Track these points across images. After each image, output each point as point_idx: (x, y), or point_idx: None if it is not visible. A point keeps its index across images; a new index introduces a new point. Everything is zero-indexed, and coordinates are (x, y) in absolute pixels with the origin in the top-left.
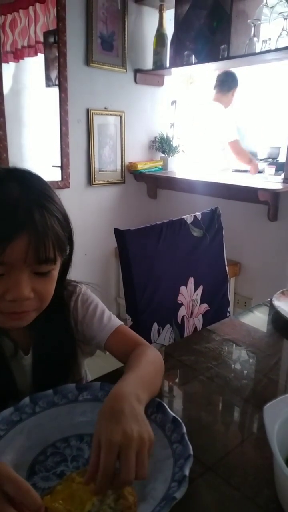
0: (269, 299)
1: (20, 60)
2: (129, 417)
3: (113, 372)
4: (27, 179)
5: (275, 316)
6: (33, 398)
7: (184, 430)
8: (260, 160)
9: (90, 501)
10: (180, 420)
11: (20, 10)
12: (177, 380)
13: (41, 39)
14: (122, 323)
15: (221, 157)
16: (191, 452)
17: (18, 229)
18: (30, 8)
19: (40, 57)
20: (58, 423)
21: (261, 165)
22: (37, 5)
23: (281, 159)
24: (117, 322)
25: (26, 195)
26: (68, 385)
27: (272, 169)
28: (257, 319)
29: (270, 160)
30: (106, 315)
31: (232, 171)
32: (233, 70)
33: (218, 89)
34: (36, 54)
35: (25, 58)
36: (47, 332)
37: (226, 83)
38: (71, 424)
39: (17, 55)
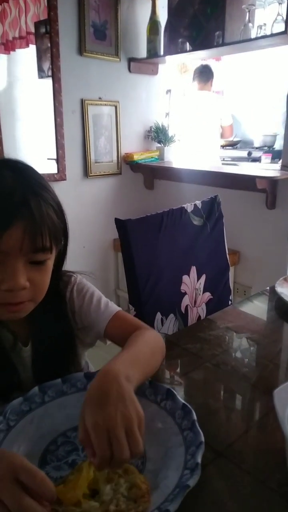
0: (268, 288)
1: (11, 52)
2: (115, 398)
3: None
4: (21, 168)
5: (278, 303)
6: (42, 388)
7: (195, 417)
8: (256, 148)
9: (103, 490)
10: (190, 407)
11: (10, 1)
12: (183, 368)
13: (32, 30)
14: (120, 308)
15: (214, 145)
16: (203, 439)
17: (14, 216)
18: None
19: (32, 48)
20: (67, 412)
21: (257, 153)
22: None
23: (277, 146)
24: (115, 308)
25: (21, 183)
26: (76, 373)
27: (269, 157)
28: (258, 307)
29: (266, 148)
30: (103, 302)
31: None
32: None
33: (198, 80)
34: (27, 45)
35: (17, 50)
36: (45, 323)
37: (205, 74)
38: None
39: (8, 46)
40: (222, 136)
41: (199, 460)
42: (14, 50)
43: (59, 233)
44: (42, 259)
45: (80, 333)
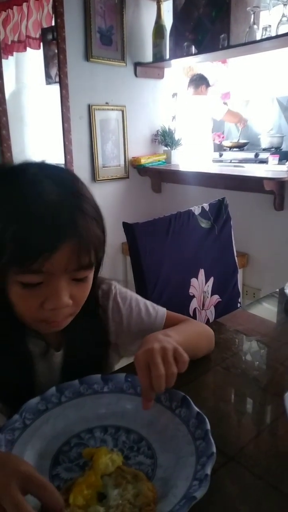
0: (278, 290)
1: (9, 56)
2: (154, 341)
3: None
4: (63, 178)
5: None
6: (59, 388)
7: (208, 426)
8: (263, 149)
9: (111, 494)
10: (204, 415)
11: (14, 7)
12: (193, 371)
13: (32, 34)
14: (164, 308)
15: (207, 146)
16: (214, 450)
17: (62, 238)
18: (24, 4)
19: (39, 55)
20: (83, 413)
21: (264, 155)
22: (31, 1)
23: (285, 147)
24: (162, 308)
25: (66, 199)
26: (93, 375)
27: (276, 158)
28: (267, 310)
29: (273, 149)
30: (149, 305)
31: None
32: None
33: (193, 86)
34: (25, 49)
35: (21, 56)
36: (80, 331)
37: (195, 81)
38: (95, 414)
39: (6, 50)
40: (231, 121)
41: (208, 471)
42: (12, 54)
43: (102, 247)
44: (85, 275)
45: (127, 341)
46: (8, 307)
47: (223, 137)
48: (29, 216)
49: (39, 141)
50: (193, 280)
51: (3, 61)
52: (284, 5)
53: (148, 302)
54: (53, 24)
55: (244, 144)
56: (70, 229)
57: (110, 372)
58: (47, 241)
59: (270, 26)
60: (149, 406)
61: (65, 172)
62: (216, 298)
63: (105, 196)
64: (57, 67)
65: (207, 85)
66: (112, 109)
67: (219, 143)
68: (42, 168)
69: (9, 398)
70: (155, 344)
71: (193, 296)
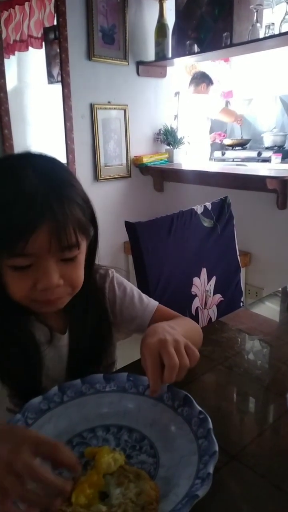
0: (280, 289)
1: (11, 56)
2: (164, 332)
3: (138, 361)
4: (43, 165)
5: None
6: (62, 387)
7: (210, 425)
8: (266, 148)
9: (113, 493)
10: (206, 414)
11: (16, 6)
12: (195, 370)
13: (34, 34)
14: (157, 301)
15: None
16: (217, 448)
17: (38, 220)
18: (26, 3)
19: (41, 54)
20: (85, 412)
21: (267, 153)
22: (33, 0)
23: None
24: (155, 301)
25: (43, 185)
26: (96, 375)
27: (279, 157)
28: (270, 309)
29: (276, 148)
30: (143, 295)
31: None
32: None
33: (194, 85)
34: (27, 49)
35: (23, 56)
36: (82, 312)
37: (201, 79)
38: (98, 414)
39: (8, 50)
40: (226, 119)
41: (210, 470)
42: (13, 54)
43: (85, 227)
44: (71, 256)
45: (119, 325)
46: (8, 295)
47: (224, 136)
48: (6, 202)
49: (41, 140)
50: (195, 279)
51: (5, 60)
52: (287, 3)
53: (143, 294)
54: (55, 23)
55: (246, 142)
56: (46, 211)
57: (114, 353)
58: (25, 223)
59: (273, 24)
60: (156, 393)
61: (50, 162)
62: (218, 297)
63: (107, 195)
64: (59, 66)
65: (209, 83)
66: (114, 108)
67: (220, 142)
68: (24, 157)
69: (20, 386)
70: (167, 335)
71: (195, 295)
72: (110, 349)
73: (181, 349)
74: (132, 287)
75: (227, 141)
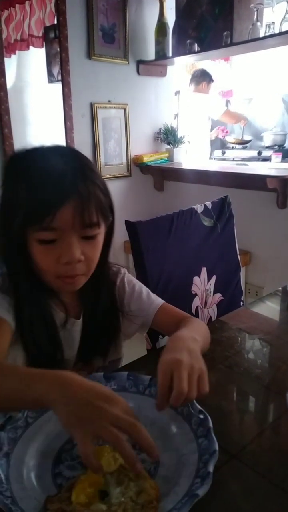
0: (280, 288)
1: (12, 55)
2: (183, 350)
3: (138, 360)
4: (70, 153)
5: None
6: None
7: (211, 424)
8: (266, 147)
9: (113, 492)
10: (206, 413)
11: (17, 5)
12: None
13: (35, 33)
14: (163, 300)
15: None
16: (217, 447)
17: (65, 197)
18: (27, 2)
19: (42, 53)
20: None
21: (267, 153)
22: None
23: None
24: (162, 300)
25: (70, 168)
26: (96, 374)
27: (279, 156)
28: (270, 308)
29: (276, 147)
30: (152, 294)
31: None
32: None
33: (194, 83)
34: (27, 48)
35: (24, 55)
36: (96, 300)
37: (197, 77)
38: None
39: (9, 49)
40: (228, 121)
41: (210, 469)
42: (14, 53)
43: (106, 209)
44: (93, 234)
45: (126, 319)
46: (33, 273)
47: (226, 132)
48: (36, 181)
49: (42, 140)
50: (196, 279)
51: (6, 59)
52: None
53: (152, 293)
54: (55, 22)
55: (248, 141)
56: (72, 190)
57: (121, 347)
58: (53, 199)
59: (273, 23)
60: (162, 410)
61: (76, 152)
62: (218, 296)
63: None
64: (59, 65)
65: (210, 80)
66: (114, 107)
67: (222, 138)
68: (55, 149)
69: (40, 355)
70: (184, 356)
71: (196, 295)
72: (116, 342)
73: (193, 379)
74: (141, 285)
75: (230, 139)
